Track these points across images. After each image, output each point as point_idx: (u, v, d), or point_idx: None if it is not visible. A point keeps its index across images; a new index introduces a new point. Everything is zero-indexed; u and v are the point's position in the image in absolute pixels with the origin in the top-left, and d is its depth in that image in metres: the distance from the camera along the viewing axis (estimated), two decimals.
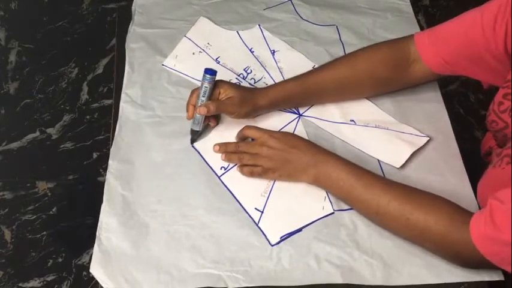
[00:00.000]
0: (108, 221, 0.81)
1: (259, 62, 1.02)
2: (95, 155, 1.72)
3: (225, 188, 0.85)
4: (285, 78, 0.97)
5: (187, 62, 1.01)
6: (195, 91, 0.88)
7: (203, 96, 0.85)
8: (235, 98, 0.87)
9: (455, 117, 1.01)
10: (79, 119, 1.80)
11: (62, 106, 1.82)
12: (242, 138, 0.89)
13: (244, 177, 0.86)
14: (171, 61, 1.01)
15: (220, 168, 0.87)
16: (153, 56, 1.01)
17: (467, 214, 0.72)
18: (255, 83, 0.98)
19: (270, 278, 0.77)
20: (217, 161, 0.87)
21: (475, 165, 0.88)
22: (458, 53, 0.81)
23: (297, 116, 0.95)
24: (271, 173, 0.84)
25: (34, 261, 1.52)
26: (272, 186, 0.85)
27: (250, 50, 1.04)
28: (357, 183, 0.79)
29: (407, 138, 0.90)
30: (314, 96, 0.93)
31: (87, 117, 1.80)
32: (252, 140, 0.87)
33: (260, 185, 0.85)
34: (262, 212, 0.83)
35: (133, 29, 1.05)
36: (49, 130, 1.77)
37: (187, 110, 0.89)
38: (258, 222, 0.82)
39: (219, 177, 0.86)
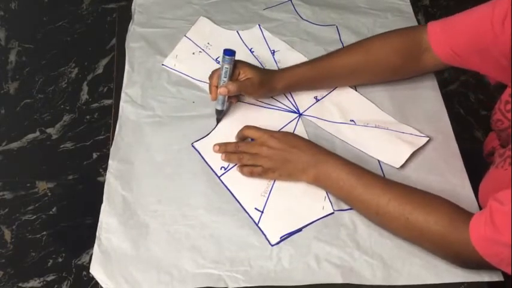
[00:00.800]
0: (108, 221, 0.81)
1: (259, 62, 1.02)
2: (95, 155, 1.72)
3: (225, 188, 0.85)
4: None
5: (187, 61, 1.01)
6: (215, 72, 0.90)
7: (225, 77, 0.88)
8: (254, 79, 0.89)
9: (455, 117, 1.01)
10: (79, 119, 1.80)
11: (62, 106, 1.82)
12: (242, 138, 0.89)
13: (244, 177, 0.85)
14: (171, 61, 1.01)
15: (220, 168, 0.87)
16: (153, 56, 1.01)
17: (467, 215, 0.72)
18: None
19: (270, 278, 0.77)
20: (217, 161, 0.87)
21: (475, 165, 0.88)
22: (467, 45, 0.81)
23: (297, 115, 0.95)
24: (271, 173, 0.84)
25: (34, 261, 1.52)
26: (272, 186, 0.85)
27: (250, 50, 1.04)
28: (356, 183, 0.79)
29: (407, 138, 0.90)
30: (327, 80, 0.96)
31: (87, 117, 1.80)
32: (252, 140, 0.87)
33: (260, 185, 0.85)
34: (262, 212, 0.83)
35: (133, 29, 1.05)
36: (49, 130, 1.77)
37: (210, 92, 0.91)
38: (258, 222, 0.82)
39: (219, 177, 0.86)
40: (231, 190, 0.85)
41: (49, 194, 1.63)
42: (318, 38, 1.06)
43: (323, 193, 0.84)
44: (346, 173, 0.80)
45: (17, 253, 1.53)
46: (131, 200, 0.83)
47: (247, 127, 0.88)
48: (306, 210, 0.83)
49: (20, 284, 1.48)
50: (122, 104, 0.94)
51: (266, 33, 1.06)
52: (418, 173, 0.87)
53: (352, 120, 0.94)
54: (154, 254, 0.78)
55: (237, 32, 1.06)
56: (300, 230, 0.81)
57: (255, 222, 0.82)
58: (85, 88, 1.87)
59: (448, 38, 0.84)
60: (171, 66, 1.00)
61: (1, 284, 1.47)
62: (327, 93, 0.97)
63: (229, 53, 0.86)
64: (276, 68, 1.00)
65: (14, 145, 1.73)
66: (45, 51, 1.95)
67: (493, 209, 0.67)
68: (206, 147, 0.89)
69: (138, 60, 1.01)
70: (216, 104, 0.91)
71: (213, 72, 0.91)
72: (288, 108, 0.95)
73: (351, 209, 0.83)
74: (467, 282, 0.77)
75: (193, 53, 1.03)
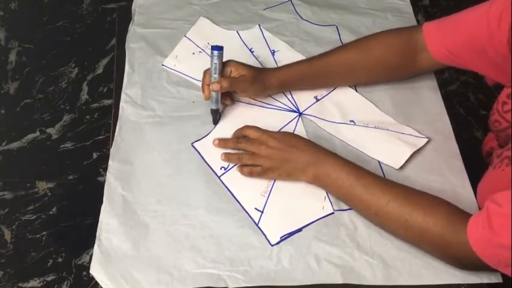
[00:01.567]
0: (108, 221, 0.81)
1: (259, 62, 1.02)
2: (95, 155, 1.72)
3: (225, 188, 0.85)
4: None
5: (187, 62, 1.01)
6: (207, 71, 0.89)
7: (215, 74, 0.87)
8: (247, 76, 0.89)
9: (455, 117, 1.01)
10: (79, 119, 1.80)
11: (62, 106, 1.82)
12: (240, 137, 0.89)
13: (244, 177, 0.86)
14: (171, 61, 1.01)
15: (220, 168, 0.87)
16: (153, 56, 1.01)
17: (465, 216, 0.72)
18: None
19: (270, 278, 0.77)
20: (217, 161, 0.87)
21: (475, 165, 0.88)
22: (463, 46, 0.82)
23: (297, 114, 0.95)
24: (271, 173, 0.84)
25: (34, 261, 1.52)
26: (272, 186, 0.85)
27: (250, 50, 1.04)
28: (356, 183, 0.79)
29: (407, 139, 0.90)
30: (324, 79, 0.95)
31: (87, 117, 1.80)
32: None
33: (260, 185, 0.85)
34: (262, 212, 0.83)
35: (133, 29, 1.05)
36: (49, 130, 1.77)
37: (203, 91, 0.91)
38: (258, 222, 0.82)
39: (219, 177, 0.86)
40: (231, 190, 0.85)
41: (49, 194, 1.63)
42: (318, 38, 1.06)
43: (323, 193, 0.84)
44: (346, 173, 0.80)
45: (17, 253, 1.53)
46: (131, 200, 0.83)
47: (246, 127, 0.88)
48: (306, 210, 0.83)
49: (20, 284, 1.48)
50: (122, 105, 0.94)
51: (266, 33, 1.06)
52: (418, 173, 0.88)
53: (352, 121, 0.94)
54: (154, 254, 0.78)
55: (237, 32, 1.06)
56: (300, 230, 0.81)
57: (255, 222, 0.82)
58: (85, 88, 1.87)
59: (444, 39, 0.84)
60: (171, 66, 1.00)
61: (1, 284, 1.47)
62: (327, 93, 0.97)
63: (217, 48, 0.86)
64: None
65: (14, 145, 1.73)
66: (45, 51, 1.95)
67: (490, 211, 0.67)
68: (206, 147, 0.89)
69: (138, 60, 1.01)
70: (210, 104, 0.90)
71: (205, 71, 0.90)
72: (288, 108, 0.96)
73: (351, 209, 0.83)
74: (467, 284, 0.77)
75: (193, 53, 1.03)
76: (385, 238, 0.80)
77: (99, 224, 0.81)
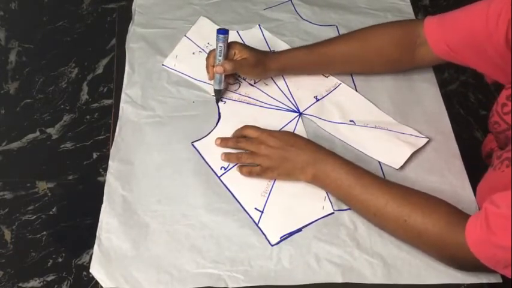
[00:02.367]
0: (108, 221, 0.81)
1: None
2: (95, 155, 1.72)
3: (225, 188, 0.85)
4: (285, 79, 0.98)
5: (187, 61, 1.01)
6: (211, 52, 0.92)
7: (219, 56, 0.90)
8: (249, 59, 0.91)
9: (455, 117, 1.01)
10: (79, 119, 1.80)
11: (62, 106, 1.82)
12: (240, 137, 0.89)
13: (244, 177, 0.85)
14: (171, 61, 1.01)
15: (220, 168, 0.87)
16: (153, 56, 1.01)
17: (464, 217, 0.72)
18: (255, 83, 0.98)
19: (270, 278, 0.77)
20: (217, 161, 0.87)
21: (475, 165, 0.88)
22: (462, 41, 0.82)
23: (298, 114, 0.95)
24: (270, 172, 0.84)
25: (34, 261, 1.52)
26: (272, 186, 0.85)
27: None
28: (355, 183, 0.79)
29: (407, 139, 0.90)
30: (323, 67, 0.98)
31: (87, 117, 1.80)
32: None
33: (260, 185, 0.85)
34: (262, 212, 0.83)
35: (133, 29, 1.05)
36: (49, 130, 1.77)
37: (208, 72, 0.94)
38: (258, 222, 0.82)
39: (219, 177, 0.86)
40: (231, 190, 0.85)
41: (49, 194, 1.63)
42: (318, 38, 1.06)
43: (323, 193, 0.84)
44: (345, 173, 0.80)
45: (17, 253, 1.53)
46: (131, 200, 0.83)
47: (246, 126, 0.88)
48: (306, 210, 0.83)
49: (20, 284, 1.48)
50: (122, 105, 0.94)
51: (266, 33, 1.06)
52: (417, 173, 0.88)
53: (352, 121, 0.94)
54: (154, 254, 0.78)
55: (237, 32, 1.06)
56: (300, 230, 0.81)
57: (255, 222, 0.82)
58: (85, 88, 1.87)
59: (444, 34, 0.84)
60: (171, 66, 1.00)
61: (1, 284, 1.47)
62: (327, 93, 0.97)
63: (222, 31, 0.89)
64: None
65: (14, 145, 1.73)
66: (45, 51, 1.95)
67: (489, 212, 0.67)
68: (206, 147, 0.89)
69: (138, 61, 1.01)
70: (213, 83, 0.93)
71: (210, 52, 0.93)
72: (288, 108, 0.96)
73: (351, 208, 0.83)
74: (466, 284, 0.77)
75: (193, 53, 1.03)
76: (385, 238, 0.80)
77: (99, 223, 0.81)
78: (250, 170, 0.85)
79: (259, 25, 1.08)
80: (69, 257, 1.53)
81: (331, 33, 1.07)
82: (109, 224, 0.81)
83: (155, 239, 0.80)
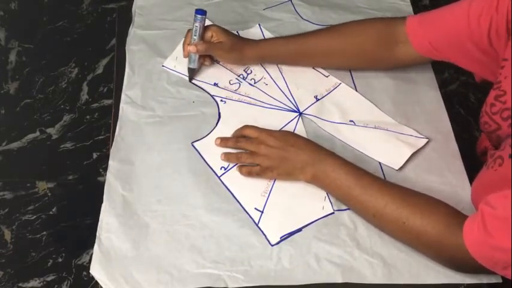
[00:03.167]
0: (108, 221, 0.81)
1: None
2: (95, 155, 1.72)
3: (225, 188, 0.85)
4: (285, 78, 0.98)
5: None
6: (189, 31, 0.94)
7: (195, 36, 0.93)
8: (225, 43, 0.93)
9: (455, 117, 1.01)
10: (79, 119, 1.80)
11: (62, 106, 1.82)
12: (240, 137, 0.89)
13: (244, 177, 0.86)
14: (171, 62, 1.01)
15: (220, 168, 0.87)
16: (153, 58, 1.01)
17: (463, 218, 0.72)
18: (255, 83, 0.98)
19: (270, 278, 0.77)
20: (217, 161, 0.87)
21: (475, 165, 0.88)
22: (444, 39, 0.82)
23: (298, 114, 0.95)
24: (270, 172, 0.84)
25: (34, 261, 1.52)
26: (272, 186, 0.85)
27: None
28: (355, 183, 0.79)
29: (407, 140, 0.90)
30: (301, 58, 0.97)
31: (87, 117, 1.80)
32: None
33: (260, 185, 0.85)
34: (262, 212, 0.83)
35: (134, 31, 1.05)
36: (49, 130, 1.77)
37: (183, 50, 0.95)
38: (258, 222, 0.82)
39: (219, 177, 0.86)
40: (231, 190, 0.85)
41: (49, 194, 1.63)
42: None
43: (323, 193, 0.84)
44: (345, 173, 0.80)
45: (17, 253, 1.53)
46: (131, 200, 0.83)
47: (246, 126, 0.88)
48: (306, 210, 0.83)
49: (20, 284, 1.48)
50: (122, 106, 0.94)
51: (266, 33, 1.06)
52: (417, 173, 0.88)
53: (352, 121, 0.94)
54: (154, 254, 0.78)
55: (237, 32, 1.06)
56: (300, 230, 0.81)
57: (255, 222, 0.82)
58: (85, 88, 1.87)
59: (426, 32, 0.85)
60: (171, 67, 1.00)
61: (1, 284, 1.47)
62: (327, 93, 0.97)
63: (200, 12, 0.91)
64: (277, 69, 1.00)
65: (14, 145, 1.73)
66: (45, 51, 1.95)
67: (485, 213, 0.67)
68: (206, 147, 0.89)
69: (138, 62, 1.01)
70: (187, 62, 0.95)
71: (188, 31, 0.94)
72: (288, 108, 0.96)
73: (350, 209, 0.83)
74: (466, 284, 0.77)
75: None
76: (386, 238, 0.80)
77: (99, 223, 0.81)
78: (250, 169, 0.85)
79: (259, 24, 1.08)
80: (69, 257, 1.53)
81: None
82: (109, 224, 0.81)
83: (155, 239, 0.80)
